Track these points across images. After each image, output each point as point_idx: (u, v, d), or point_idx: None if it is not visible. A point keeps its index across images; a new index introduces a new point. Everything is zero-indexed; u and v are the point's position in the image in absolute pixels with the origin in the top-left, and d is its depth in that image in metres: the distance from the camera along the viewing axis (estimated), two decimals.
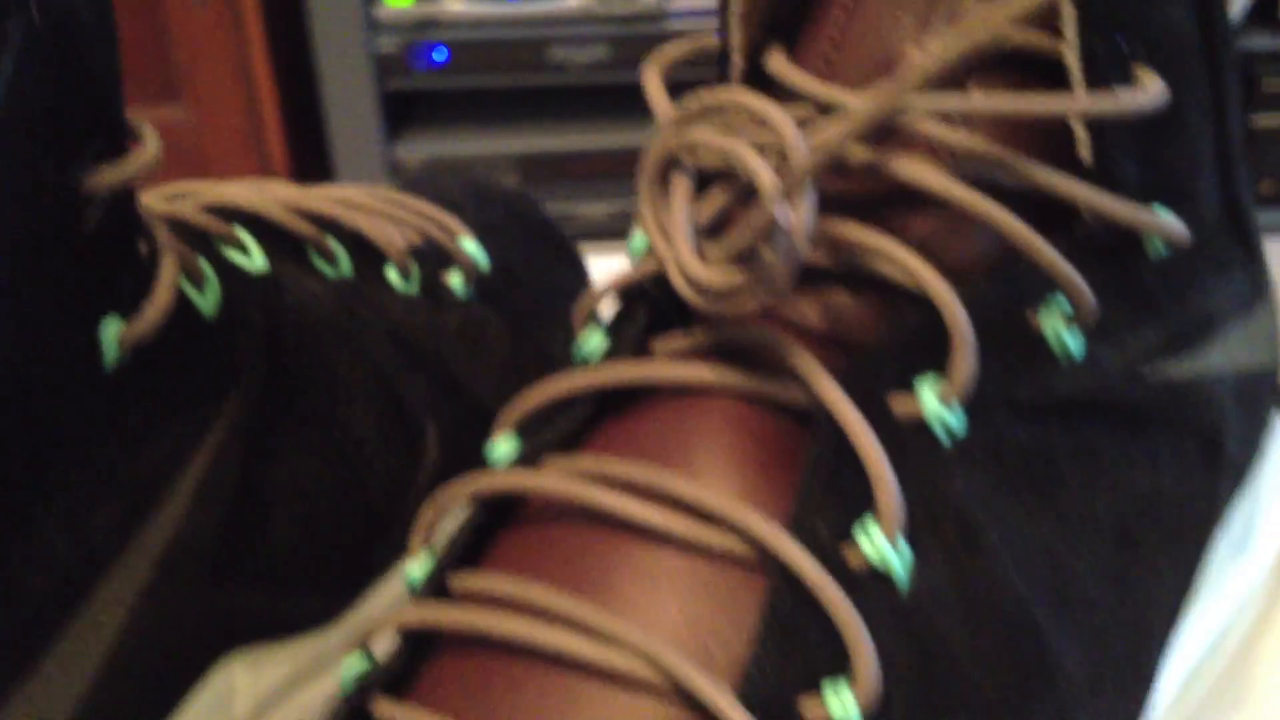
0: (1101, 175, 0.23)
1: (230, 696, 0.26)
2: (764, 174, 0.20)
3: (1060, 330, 0.22)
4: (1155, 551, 0.24)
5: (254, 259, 0.29)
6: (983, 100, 0.22)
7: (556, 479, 0.22)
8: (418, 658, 0.22)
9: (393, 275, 0.33)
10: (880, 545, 0.20)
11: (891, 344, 0.22)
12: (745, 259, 0.21)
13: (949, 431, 0.21)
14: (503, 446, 0.24)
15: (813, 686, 0.20)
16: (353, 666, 0.22)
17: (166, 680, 0.25)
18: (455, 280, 0.34)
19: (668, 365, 0.23)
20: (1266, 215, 1.28)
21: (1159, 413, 0.24)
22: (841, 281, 0.23)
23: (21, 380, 0.23)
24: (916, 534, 0.21)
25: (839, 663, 0.20)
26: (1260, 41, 1.19)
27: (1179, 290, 0.25)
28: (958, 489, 0.21)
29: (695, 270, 0.21)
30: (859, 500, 0.21)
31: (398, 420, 0.30)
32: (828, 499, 0.21)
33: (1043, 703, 0.22)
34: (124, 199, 0.24)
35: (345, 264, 0.32)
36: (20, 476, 0.23)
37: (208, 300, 0.26)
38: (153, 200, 0.30)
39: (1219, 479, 0.26)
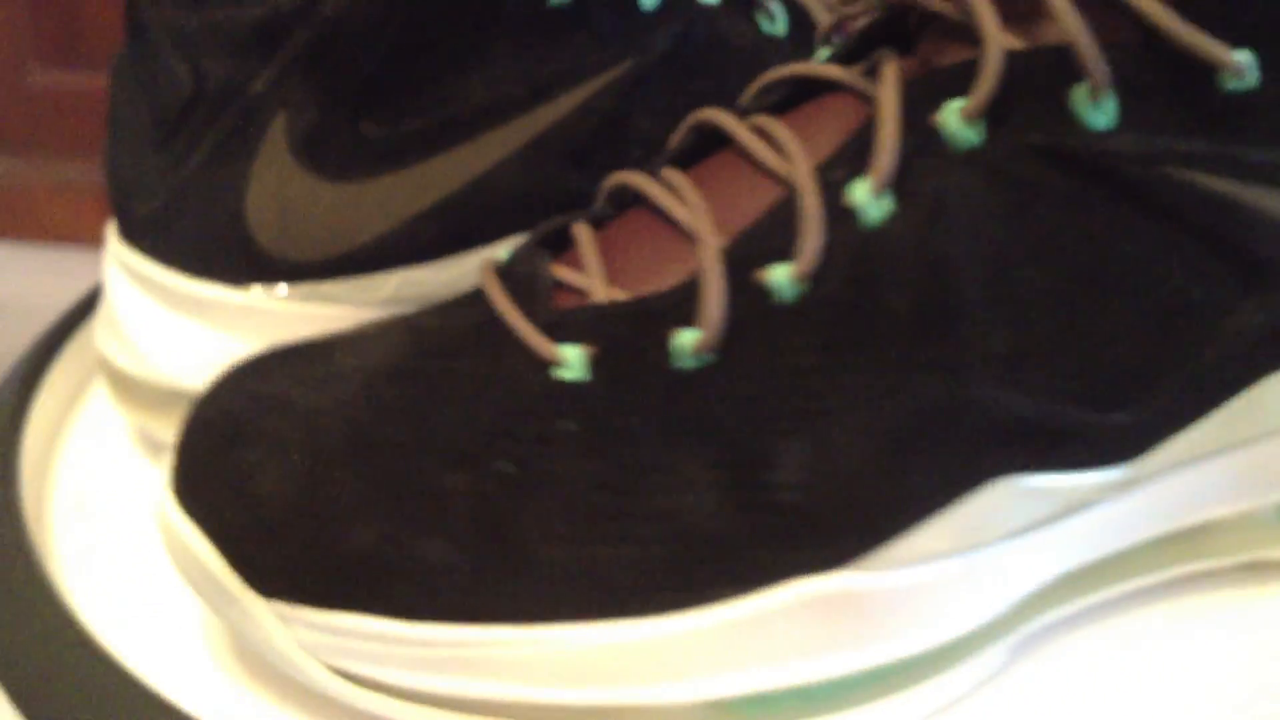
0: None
1: None
2: None
3: (1084, 102, 0.28)
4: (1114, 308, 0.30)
5: None
6: None
7: None
8: None
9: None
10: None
11: (939, 75, 0.30)
12: None
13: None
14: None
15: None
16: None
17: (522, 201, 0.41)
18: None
19: (836, 70, 0.34)
20: None
21: (1178, 212, 0.29)
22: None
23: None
24: None
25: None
26: None
27: (1249, 124, 0.29)
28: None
29: None
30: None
31: None
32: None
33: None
34: None
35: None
36: (482, 32, 0.39)
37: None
38: None
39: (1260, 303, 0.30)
